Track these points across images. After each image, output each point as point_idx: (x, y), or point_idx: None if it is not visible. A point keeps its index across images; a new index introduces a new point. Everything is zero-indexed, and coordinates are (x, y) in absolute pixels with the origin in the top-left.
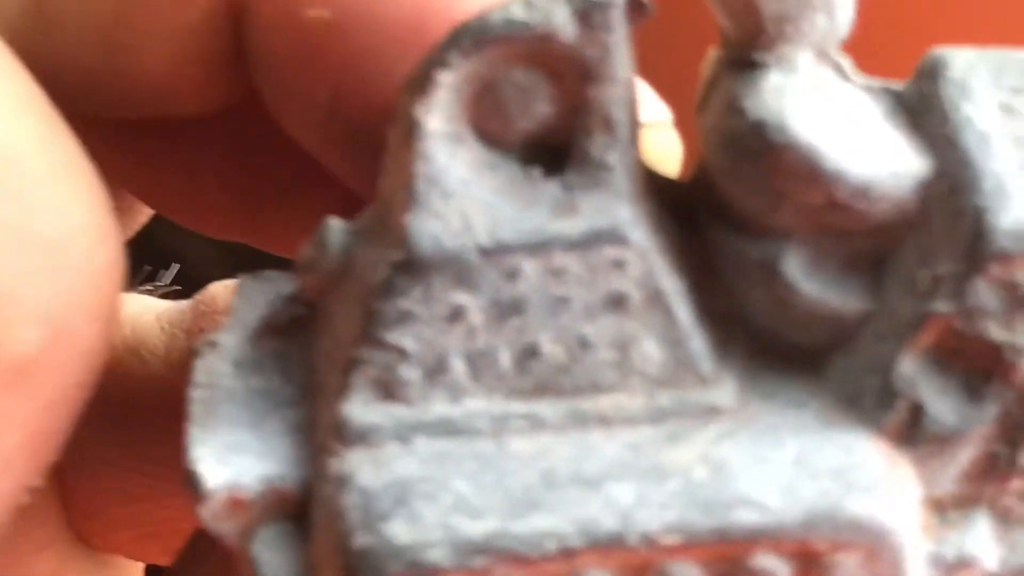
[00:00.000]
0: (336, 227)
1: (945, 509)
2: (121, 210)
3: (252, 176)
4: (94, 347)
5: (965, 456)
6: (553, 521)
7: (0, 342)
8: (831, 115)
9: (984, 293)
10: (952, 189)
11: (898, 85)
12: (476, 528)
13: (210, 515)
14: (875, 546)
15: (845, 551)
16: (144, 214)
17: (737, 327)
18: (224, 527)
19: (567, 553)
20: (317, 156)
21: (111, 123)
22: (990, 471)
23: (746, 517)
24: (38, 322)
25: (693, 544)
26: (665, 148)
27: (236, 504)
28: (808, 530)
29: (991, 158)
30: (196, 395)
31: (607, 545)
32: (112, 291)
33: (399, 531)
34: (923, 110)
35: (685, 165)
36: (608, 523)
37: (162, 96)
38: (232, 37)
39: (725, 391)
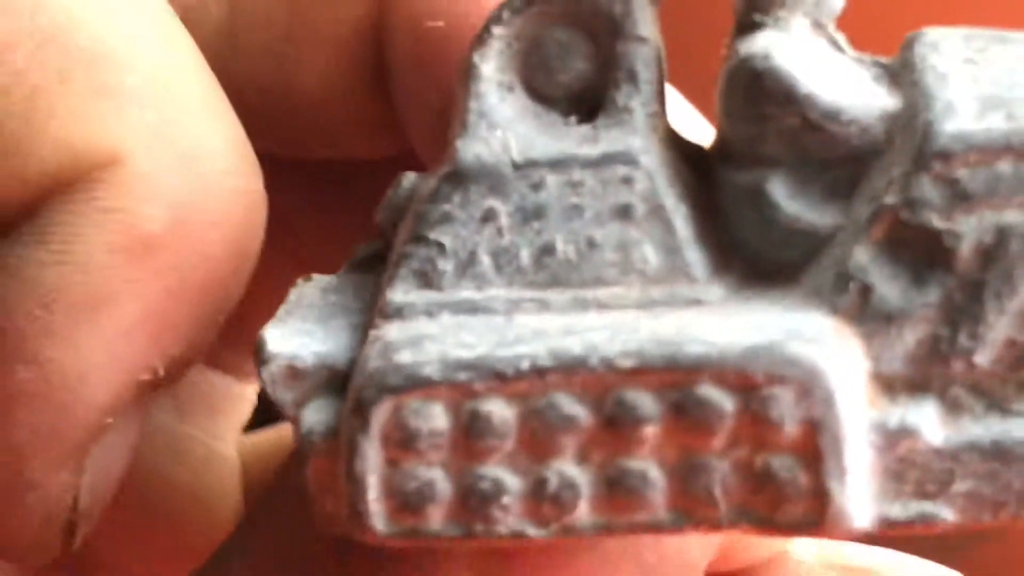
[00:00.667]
0: (410, 175)
1: (895, 390)
2: None
3: None
4: (217, 255)
5: (912, 337)
6: (531, 349)
7: (130, 212)
8: (815, 61)
9: (927, 187)
10: (910, 114)
11: (887, 60)
12: (466, 353)
13: (270, 380)
14: (808, 382)
15: (780, 384)
16: None
17: (734, 256)
18: (282, 395)
19: (537, 371)
20: (428, 161)
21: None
22: (935, 352)
23: (693, 349)
24: (165, 204)
25: (645, 369)
26: None
27: (293, 372)
28: (746, 361)
29: (946, 89)
30: (281, 309)
31: (571, 366)
32: (242, 220)
33: (404, 357)
34: (900, 70)
35: None
36: (576, 350)
37: (318, 115)
38: (375, 51)
39: (712, 291)
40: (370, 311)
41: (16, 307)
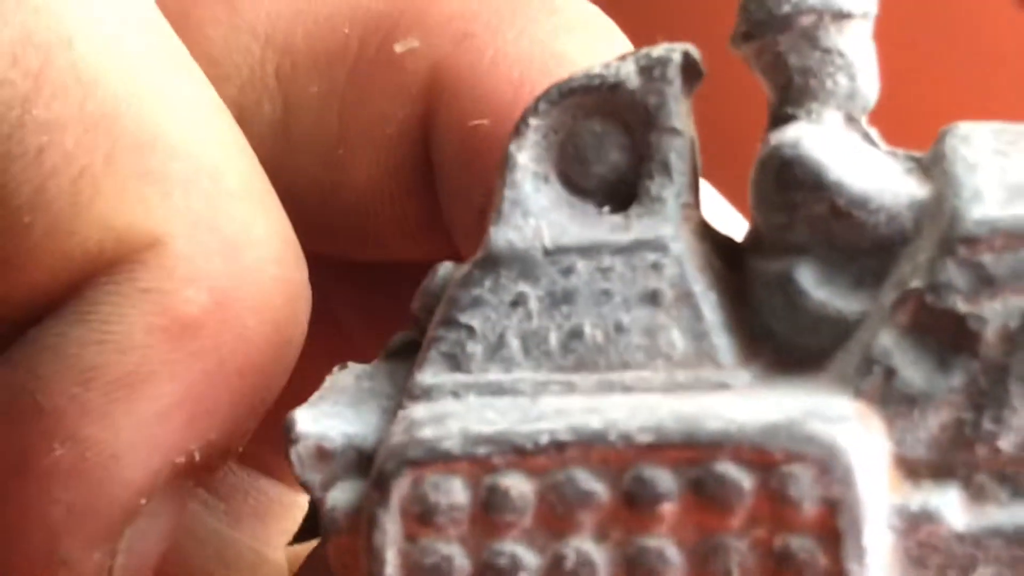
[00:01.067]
0: (447, 264)
1: (918, 474)
2: None
3: None
4: (256, 340)
5: (935, 421)
6: (551, 425)
7: (170, 294)
8: (846, 151)
9: (952, 272)
10: (939, 202)
11: (919, 154)
12: (487, 428)
13: (298, 460)
14: (827, 461)
15: (799, 463)
16: None
17: (762, 343)
18: (310, 476)
19: (557, 446)
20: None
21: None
22: (959, 437)
23: (712, 425)
24: (205, 288)
25: (664, 445)
26: None
27: (321, 453)
28: (765, 438)
29: (975, 177)
30: (315, 394)
31: (590, 441)
32: (282, 307)
33: (426, 432)
34: (932, 162)
35: None
36: (595, 425)
37: (366, 215)
38: (422, 151)
39: (739, 376)
40: (401, 394)
41: (55, 385)
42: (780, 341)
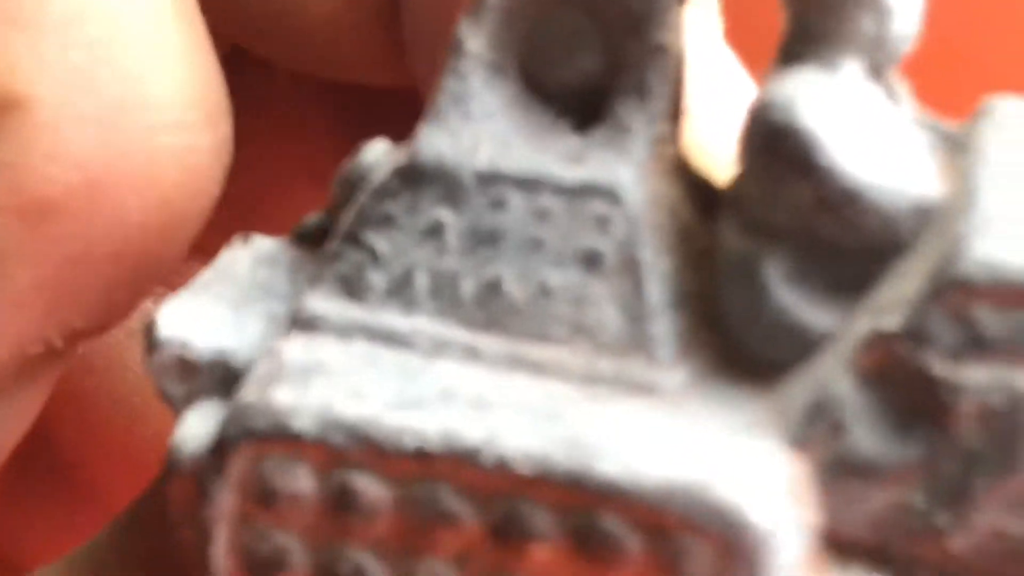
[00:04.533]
0: (378, 146)
1: (847, 556)
2: None
3: None
4: (137, 221)
5: (880, 497)
6: (423, 421)
7: (27, 170)
8: (854, 120)
9: (936, 321)
10: (944, 217)
11: (952, 127)
12: (351, 410)
13: (157, 370)
14: (733, 541)
15: (698, 535)
16: None
17: (714, 330)
18: (171, 389)
19: (421, 455)
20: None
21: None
22: (903, 522)
23: (604, 470)
24: (73, 164)
25: (545, 481)
26: None
27: (183, 365)
28: (662, 498)
29: (994, 193)
30: (206, 273)
31: (461, 457)
32: (177, 181)
33: (282, 397)
34: (961, 149)
35: None
36: (471, 437)
37: (327, 37)
38: None
39: (671, 376)
40: (296, 301)
41: None
42: (732, 335)
